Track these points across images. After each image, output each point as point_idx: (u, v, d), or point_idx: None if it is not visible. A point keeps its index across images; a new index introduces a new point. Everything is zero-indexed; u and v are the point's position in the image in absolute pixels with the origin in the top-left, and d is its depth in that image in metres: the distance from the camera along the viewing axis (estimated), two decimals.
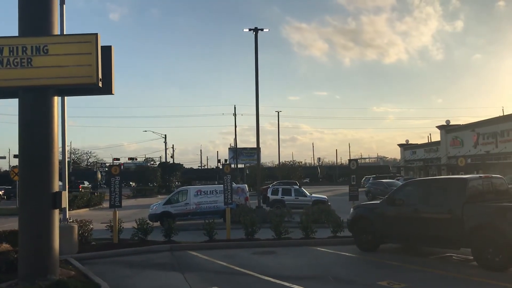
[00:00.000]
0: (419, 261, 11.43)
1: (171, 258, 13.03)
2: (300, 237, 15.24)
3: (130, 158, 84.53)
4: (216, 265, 11.82)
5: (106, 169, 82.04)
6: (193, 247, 14.42)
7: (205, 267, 11.68)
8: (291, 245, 14.53)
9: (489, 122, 47.98)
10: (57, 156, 9.79)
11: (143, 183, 65.45)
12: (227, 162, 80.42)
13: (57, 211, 9.74)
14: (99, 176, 73.83)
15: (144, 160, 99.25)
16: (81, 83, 9.45)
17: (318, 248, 13.90)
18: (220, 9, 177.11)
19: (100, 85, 9.46)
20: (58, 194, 9.53)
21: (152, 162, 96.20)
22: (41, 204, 9.26)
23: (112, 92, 9.96)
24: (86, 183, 65.27)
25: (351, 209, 14.69)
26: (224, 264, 11.89)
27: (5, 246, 13.38)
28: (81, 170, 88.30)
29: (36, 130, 9.42)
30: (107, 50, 9.80)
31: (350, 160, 17.88)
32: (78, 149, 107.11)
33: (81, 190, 49.96)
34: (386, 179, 58.54)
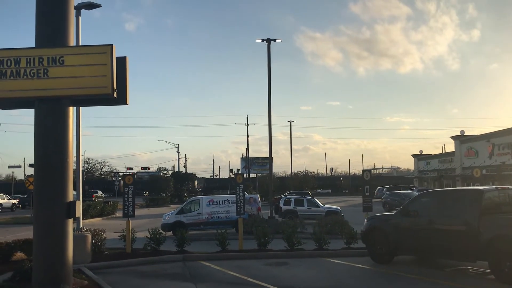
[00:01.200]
0: (434, 274, 11.26)
1: (184, 268, 13.01)
2: (313, 248, 15.12)
3: (143, 168, 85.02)
4: (229, 276, 11.76)
5: (120, 178, 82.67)
6: (206, 257, 14.38)
7: (218, 278, 11.63)
8: (304, 256, 14.41)
9: (505, 133, 47.40)
10: (71, 165, 9.87)
11: (155, 192, 65.71)
12: (239, 172, 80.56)
13: (71, 221, 9.79)
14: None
15: (157, 169, 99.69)
16: (96, 93, 9.55)
17: (332, 260, 13.77)
18: (234, 19, 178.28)
19: (115, 95, 9.55)
20: (72, 204, 9.58)
21: (164, 172, 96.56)
22: (56, 213, 9.31)
23: (127, 103, 10.04)
24: (100, 192, 65.75)
25: (365, 220, 14.55)
26: (237, 275, 11.82)
27: (20, 255, 13.53)
28: (95, 180, 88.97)
29: (51, 139, 9.52)
30: (122, 61, 9.89)
31: (364, 171, 17.76)
32: (92, 159, 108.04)
33: (95, 200, 50.29)
34: (400, 189, 58.17)
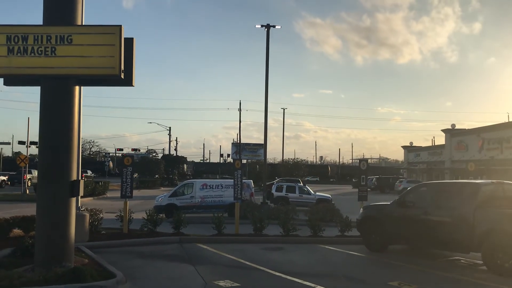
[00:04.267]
0: (428, 263, 11.53)
1: (181, 250, 13.16)
2: (308, 234, 15.34)
3: (133, 149, 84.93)
4: (226, 259, 11.94)
5: (109, 159, 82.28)
6: (203, 240, 14.53)
7: (216, 260, 11.80)
8: (299, 242, 14.64)
9: (495, 128, 47.99)
10: (76, 144, 9.92)
11: (146, 174, 65.63)
12: (231, 157, 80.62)
13: (74, 199, 9.88)
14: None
15: (146, 151, 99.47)
16: (104, 74, 9.55)
17: (327, 247, 14.00)
18: (234, 1, 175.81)
19: (122, 76, 9.56)
20: (76, 183, 9.65)
21: (154, 154, 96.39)
22: (60, 191, 9.38)
23: (133, 84, 10.07)
24: (89, 172, 65.47)
25: (361, 209, 14.78)
26: (234, 258, 12.00)
27: (17, 231, 13.59)
28: (84, 159, 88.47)
29: (57, 118, 9.53)
30: (129, 42, 9.90)
31: (360, 160, 17.95)
32: (82, 138, 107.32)
33: (84, 179, 50.12)
34: (389, 180, 58.79)
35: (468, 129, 56.37)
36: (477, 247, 10.79)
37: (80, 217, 13.18)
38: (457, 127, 59.11)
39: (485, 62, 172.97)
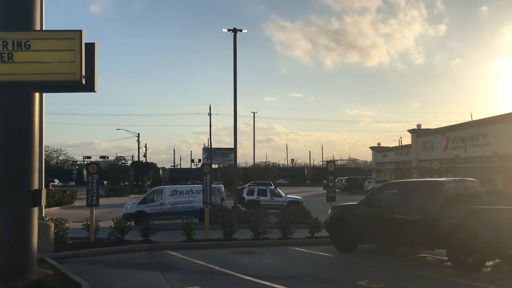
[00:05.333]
0: (395, 262, 11.71)
1: (150, 257, 12.96)
2: (278, 237, 15.37)
3: (101, 157, 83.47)
4: (196, 265, 11.82)
5: (77, 167, 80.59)
6: (172, 246, 14.36)
7: (185, 267, 11.67)
8: (270, 245, 14.65)
9: (459, 127, 49.23)
10: (37, 153, 9.64)
11: (115, 182, 64.59)
12: (201, 162, 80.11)
13: (36, 209, 9.60)
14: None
15: (115, 158, 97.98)
16: (64, 80, 9.35)
17: (297, 248, 14.05)
18: (204, 6, 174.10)
19: (84, 82, 9.37)
20: (38, 192, 9.39)
21: (123, 161, 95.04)
22: (21, 201, 9.10)
23: (95, 90, 9.90)
24: (57, 181, 64.03)
25: (329, 210, 14.90)
26: (204, 264, 11.90)
27: None
28: (51, 168, 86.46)
29: (16, 126, 9.26)
30: (90, 47, 9.73)
31: (328, 162, 18.12)
32: (48, 147, 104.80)
33: (52, 188, 48.98)
34: (359, 180, 59.63)
35: (433, 128, 57.64)
36: (442, 244, 11.02)
37: (44, 227, 12.83)
38: (423, 127, 60.36)
39: (450, 63, 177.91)
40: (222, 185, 28.28)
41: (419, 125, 60.45)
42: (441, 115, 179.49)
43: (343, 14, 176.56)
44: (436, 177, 15.88)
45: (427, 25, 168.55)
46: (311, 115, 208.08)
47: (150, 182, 70.12)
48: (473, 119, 55.45)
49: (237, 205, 27.55)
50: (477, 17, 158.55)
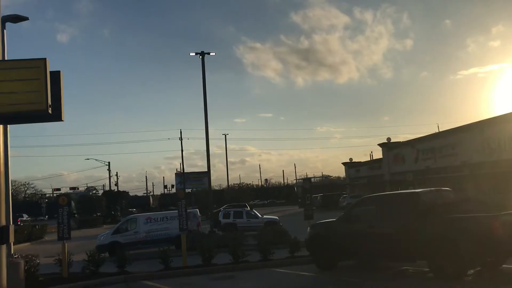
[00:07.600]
0: (377, 277, 11.63)
1: None
2: (258, 259, 15.11)
3: (71, 188, 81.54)
4: None
5: (46, 200, 78.43)
6: (149, 276, 13.93)
7: None
8: (250, 268, 14.37)
9: (427, 139, 50.19)
10: (3, 187, 9.21)
11: (87, 213, 62.99)
12: (175, 188, 79.16)
13: (4, 247, 9.11)
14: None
15: (86, 189, 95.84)
16: (29, 110, 8.98)
17: (277, 270, 13.83)
18: (173, 30, 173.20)
19: (50, 111, 9.06)
20: (6, 229, 8.93)
21: (94, 191, 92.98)
22: None
23: (62, 119, 9.57)
24: (25, 216, 62.05)
25: (308, 228, 14.77)
26: None
27: None
28: (19, 203, 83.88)
29: None
30: (56, 75, 9.43)
31: (304, 180, 18.08)
32: (15, 181, 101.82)
33: (20, 224, 47.35)
34: (333, 197, 59.91)
35: (403, 141, 58.63)
36: (422, 255, 10.99)
37: (13, 265, 12.23)
38: (393, 140, 61.32)
39: (418, 76, 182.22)
40: (198, 210, 27.82)
41: (389, 139, 61.36)
42: (410, 128, 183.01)
43: (312, 33, 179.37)
44: (411, 189, 15.98)
45: (394, 40, 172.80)
46: (283, 135, 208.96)
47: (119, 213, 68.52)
48: (440, 130, 56.71)
49: (213, 229, 27.15)
50: (441, 30, 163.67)
